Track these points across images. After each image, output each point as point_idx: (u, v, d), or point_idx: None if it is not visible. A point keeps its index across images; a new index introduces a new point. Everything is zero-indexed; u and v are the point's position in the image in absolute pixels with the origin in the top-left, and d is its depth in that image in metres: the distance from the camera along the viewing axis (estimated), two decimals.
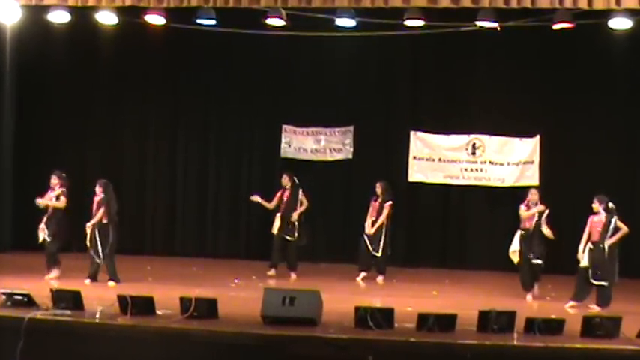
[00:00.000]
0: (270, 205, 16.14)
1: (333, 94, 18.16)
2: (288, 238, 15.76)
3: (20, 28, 16.68)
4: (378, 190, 15.67)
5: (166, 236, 18.82)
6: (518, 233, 13.70)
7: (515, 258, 13.80)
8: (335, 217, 18.08)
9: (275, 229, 15.83)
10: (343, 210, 18.08)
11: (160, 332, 9.67)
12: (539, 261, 13.53)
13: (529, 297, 13.47)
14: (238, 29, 15.44)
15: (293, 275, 15.64)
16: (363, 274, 15.44)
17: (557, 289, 13.78)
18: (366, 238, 15.47)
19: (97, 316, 10.18)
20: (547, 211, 13.65)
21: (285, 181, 16.02)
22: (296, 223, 15.80)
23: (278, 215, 15.89)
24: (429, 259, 17.78)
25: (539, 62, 17.32)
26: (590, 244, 12.72)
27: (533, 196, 13.76)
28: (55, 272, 14.16)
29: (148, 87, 18.78)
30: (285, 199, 15.92)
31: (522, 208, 13.75)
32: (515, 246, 13.74)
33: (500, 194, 16.94)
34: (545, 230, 13.53)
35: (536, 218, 13.57)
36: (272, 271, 15.68)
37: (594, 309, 12.16)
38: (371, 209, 15.67)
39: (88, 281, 13.77)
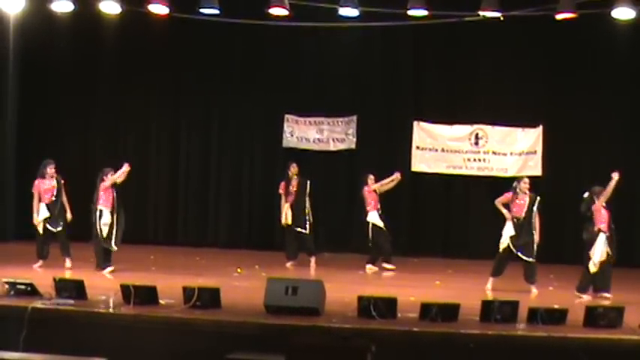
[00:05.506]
0: (286, 201, 15.88)
1: (336, 83, 18.15)
2: (302, 230, 15.67)
3: (24, 18, 16.72)
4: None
5: (169, 226, 18.84)
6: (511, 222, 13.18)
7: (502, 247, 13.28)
8: (338, 207, 18.06)
9: (288, 219, 15.67)
10: (346, 200, 18.04)
11: (163, 322, 9.67)
12: (525, 256, 13.01)
13: (534, 290, 13.15)
14: (241, 19, 15.43)
15: (313, 260, 15.56)
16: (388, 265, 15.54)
17: (559, 279, 13.76)
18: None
19: (100, 305, 10.18)
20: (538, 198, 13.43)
21: (295, 170, 15.86)
22: (309, 216, 15.75)
23: (287, 205, 15.76)
24: (432, 248, 17.79)
25: (543, 52, 17.26)
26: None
27: (524, 184, 13.27)
28: (69, 262, 14.21)
29: (151, 76, 18.74)
30: (292, 188, 15.79)
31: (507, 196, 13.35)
32: (510, 231, 13.18)
33: (503, 184, 16.87)
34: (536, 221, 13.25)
35: (526, 207, 13.12)
36: (290, 264, 15.55)
37: (605, 296, 12.10)
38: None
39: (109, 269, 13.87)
